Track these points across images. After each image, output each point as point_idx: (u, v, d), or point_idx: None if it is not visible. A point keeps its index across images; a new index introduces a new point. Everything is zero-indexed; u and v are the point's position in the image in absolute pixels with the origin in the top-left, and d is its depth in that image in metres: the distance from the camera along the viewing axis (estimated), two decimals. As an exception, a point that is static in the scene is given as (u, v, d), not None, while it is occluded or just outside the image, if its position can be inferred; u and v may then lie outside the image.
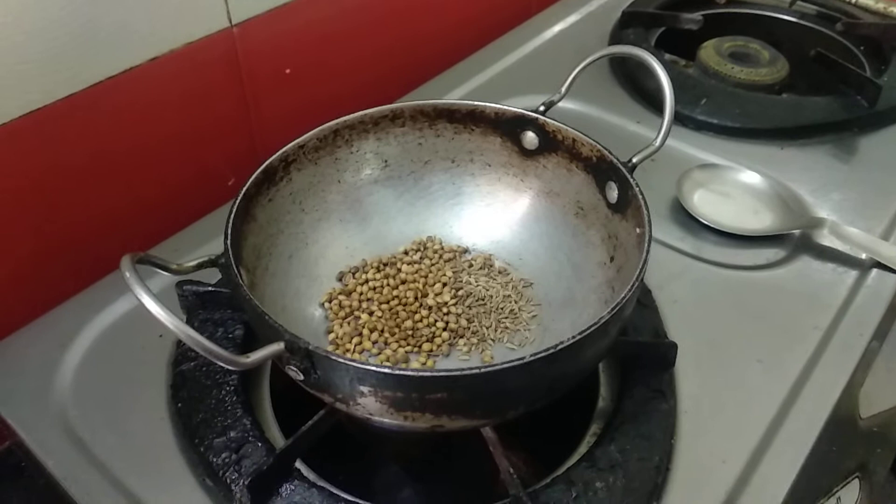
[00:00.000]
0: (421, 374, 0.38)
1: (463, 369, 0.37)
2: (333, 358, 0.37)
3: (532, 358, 0.37)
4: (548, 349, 0.38)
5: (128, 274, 0.35)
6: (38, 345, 0.55)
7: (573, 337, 0.38)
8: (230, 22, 0.65)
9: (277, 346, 0.38)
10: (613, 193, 0.50)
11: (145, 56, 0.61)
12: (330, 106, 0.76)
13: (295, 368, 0.39)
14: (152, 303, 0.34)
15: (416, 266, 0.56)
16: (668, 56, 0.89)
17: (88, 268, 0.60)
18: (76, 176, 0.60)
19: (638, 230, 0.46)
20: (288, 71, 0.73)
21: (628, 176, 0.48)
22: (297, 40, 0.72)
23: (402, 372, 0.37)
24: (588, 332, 0.39)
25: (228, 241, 0.44)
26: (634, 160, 0.49)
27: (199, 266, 0.44)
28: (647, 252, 0.43)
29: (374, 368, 0.37)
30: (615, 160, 0.49)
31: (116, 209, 0.64)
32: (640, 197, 0.47)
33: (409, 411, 0.39)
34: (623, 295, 0.41)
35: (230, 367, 0.36)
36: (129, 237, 0.65)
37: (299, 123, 0.55)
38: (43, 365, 0.54)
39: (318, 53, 0.75)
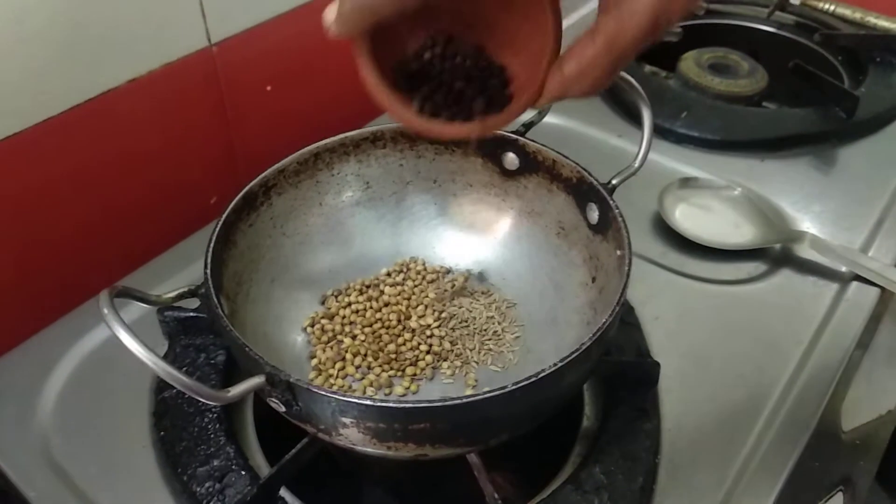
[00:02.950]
0: (403, 405, 0.37)
1: (445, 399, 0.37)
2: (314, 390, 0.37)
3: (514, 387, 0.37)
4: (530, 377, 0.38)
5: (106, 311, 0.35)
6: (20, 371, 0.55)
7: (555, 364, 0.38)
8: (209, 41, 0.65)
9: (258, 380, 0.38)
10: (594, 214, 0.50)
11: (124, 77, 0.60)
12: (311, 123, 0.77)
13: (277, 400, 0.39)
14: (132, 342, 0.34)
15: (399, 288, 0.56)
16: (648, 67, 0.89)
17: (70, 292, 0.60)
18: (57, 199, 0.60)
19: (618, 252, 0.47)
20: (269, 88, 0.73)
21: (608, 198, 0.48)
22: (276, 58, 0.72)
23: (383, 404, 0.37)
24: (570, 358, 0.39)
25: (208, 271, 0.43)
26: (614, 182, 0.50)
27: (180, 297, 0.43)
28: (628, 276, 0.44)
29: (355, 400, 0.37)
30: (595, 182, 0.50)
31: (97, 232, 0.64)
32: (621, 219, 0.47)
33: (392, 442, 0.39)
34: (605, 320, 0.41)
35: (212, 403, 0.36)
36: (111, 260, 0.64)
37: (281, 140, 0.55)
38: (24, 392, 0.53)
39: (298, 71, 0.75)
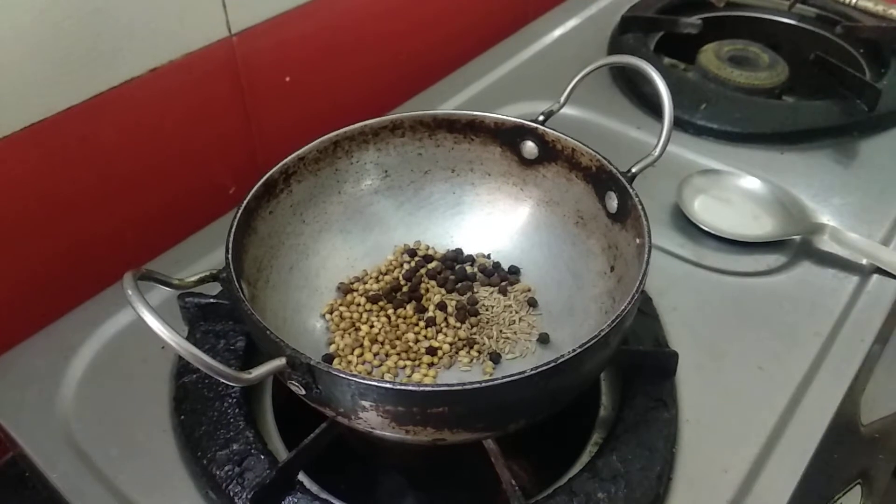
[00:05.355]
0: (422, 388, 0.38)
1: (464, 384, 0.37)
2: (335, 373, 0.38)
3: (533, 372, 0.37)
4: (549, 363, 0.38)
5: (130, 292, 0.36)
6: (42, 356, 0.55)
7: (574, 350, 0.38)
8: (230, 31, 0.66)
9: (279, 362, 0.38)
10: (613, 203, 0.50)
11: (145, 66, 0.61)
12: (329, 113, 0.77)
13: (297, 383, 0.39)
14: (155, 322, 0.34)
15: (417, 276, 0.56)
16: (667, 60, 0.89)
17: (91, 278, 0.61)
18: (77, 187, 0.60)
19: (638, 241, 0.47)
20: (287, 79, 0.73)
21: (628, 186, 0.48)
22: (296, 49, 0.72)
23: (403, 387, 0.37)
24: (589, 344, 0.39)
25: (229, 256, 0.44)
26: (634, 170, 0.49)
27: (201, 281, 0.44)
28: (647, 264, 0.43)
29: (375, 384, 0.37)
30: (614, 170, 0.50)
31: (118, 219, 0.64)
32: (640, 207, 0.47)
33: (411, 425, 0.39)
34: (623, 307, 0.41)
35: (233, 384, 0.36)
36: (131, 247, 0.65)
37: (299, 130, 0.55)
38: (46, 377, 0.54)
39: (317, 61, 0.75)
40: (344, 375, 0.37)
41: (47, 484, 0.49)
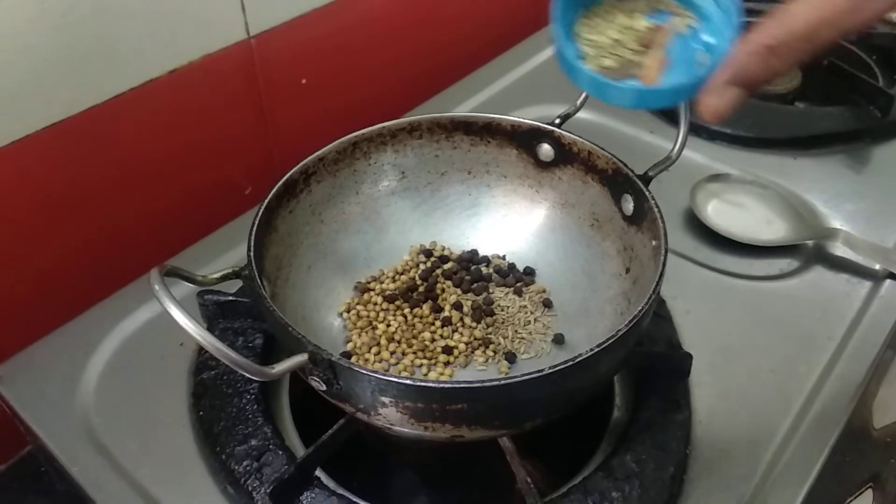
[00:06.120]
0: (442, 385, 0.38)
1: (483, 381, 0.38)
2: (356, 369, 0.38)
3: (551, 370, 0.38)
4: (566, 361, 0.38)
5: (157, 287, 0.36)
6: (62, 352, 0.56)
7: (591, 349, 0.39)
8: (248, 34, 0.66)
9: (302, 358, 0.38)
10: (629, 205, 0.51)
11: (165, 68, 0.62)
12: (345, 115, 0.78)
13: (318, 379, 0.40)
14: (183, 317, 0.35)
15: (433, 277, 0.57)
16: (680, 65, 0.89)
17: (110, 276, 0.61)
18: (98, 186, 0.61)
19: (654, 243, 0.47)
20: (304, 81, 0.74)
21: (644, 189, 0.49)
22: (312, 51, 0.73)
23: (423, 383, 0.38)
24: (606, 344, 0.39)
25: (251, 253, 0.44)
26: (650, 173, 0.50)
27: (224, 278, 0.44)
28: (664, 265, 0.44)
29: (395, 380, 0.38)
30: (630, 173, 0.50)
31: (137, 218, 0.65)
32: (656, 210, 0.47)
33: (430, 422, 0.40)
34: (640, 308, 0.41)
35: (257, 379, 0.36)
36: (149, 246, 0.66)
37: (315, 133, 0.56)
38: (67, 372, 0.55)
39: (333, 64, 0.76)
40: (365, 371, 0.38)
41: (67, 477, 0.50)
